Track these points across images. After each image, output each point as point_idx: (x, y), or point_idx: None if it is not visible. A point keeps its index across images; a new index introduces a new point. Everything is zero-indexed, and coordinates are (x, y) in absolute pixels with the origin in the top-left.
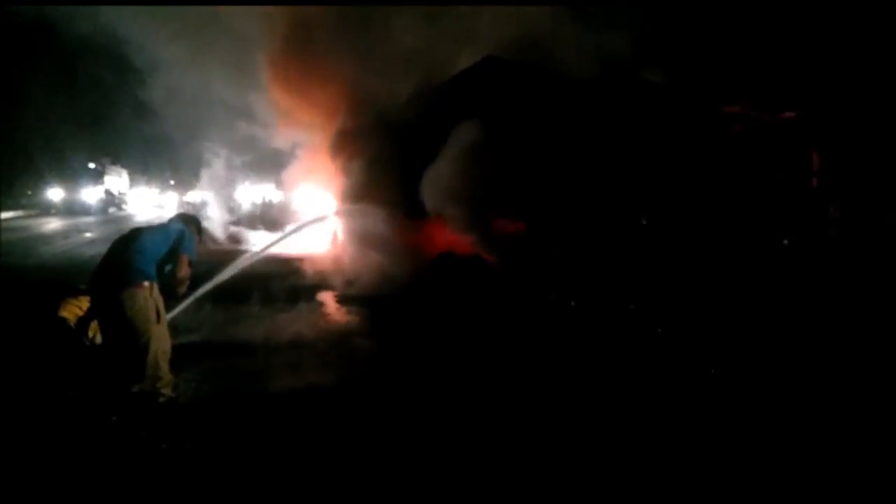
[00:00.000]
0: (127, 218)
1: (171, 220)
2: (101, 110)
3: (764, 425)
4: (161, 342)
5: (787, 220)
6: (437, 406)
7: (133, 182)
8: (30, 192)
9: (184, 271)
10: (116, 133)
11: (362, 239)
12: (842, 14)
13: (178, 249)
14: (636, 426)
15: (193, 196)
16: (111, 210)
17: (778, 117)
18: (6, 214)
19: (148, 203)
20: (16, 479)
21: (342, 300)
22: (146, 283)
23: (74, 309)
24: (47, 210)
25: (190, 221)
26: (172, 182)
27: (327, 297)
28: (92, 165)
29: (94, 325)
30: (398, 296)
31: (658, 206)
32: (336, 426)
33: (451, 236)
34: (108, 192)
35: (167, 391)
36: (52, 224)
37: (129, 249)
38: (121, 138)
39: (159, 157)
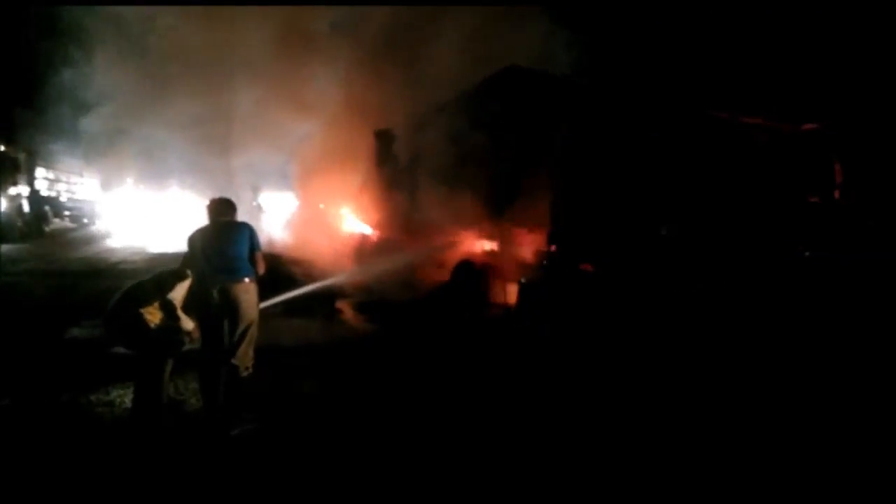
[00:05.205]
0: (85, 242)
1: (231, 216)
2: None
3: None
4: (257, 329)
5: (810, 232)
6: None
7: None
8: None
9: (262, 269)
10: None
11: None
12: (862, 24)
13: (254, 247)
14: None
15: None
16: (50, 226)
17: (799, 129)
18: None
19: (134, 213)
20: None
21: (360, 308)
22: (254, 278)
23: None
24: None
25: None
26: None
27: (345, 305)
28: (2, 148)
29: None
30: (416, 303)
31: (678, 217)
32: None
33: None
34: (36, 196)
35: (250, 368)
36: None
37: (231, 251)
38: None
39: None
